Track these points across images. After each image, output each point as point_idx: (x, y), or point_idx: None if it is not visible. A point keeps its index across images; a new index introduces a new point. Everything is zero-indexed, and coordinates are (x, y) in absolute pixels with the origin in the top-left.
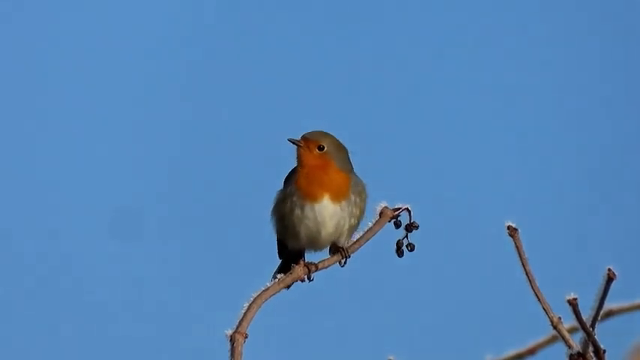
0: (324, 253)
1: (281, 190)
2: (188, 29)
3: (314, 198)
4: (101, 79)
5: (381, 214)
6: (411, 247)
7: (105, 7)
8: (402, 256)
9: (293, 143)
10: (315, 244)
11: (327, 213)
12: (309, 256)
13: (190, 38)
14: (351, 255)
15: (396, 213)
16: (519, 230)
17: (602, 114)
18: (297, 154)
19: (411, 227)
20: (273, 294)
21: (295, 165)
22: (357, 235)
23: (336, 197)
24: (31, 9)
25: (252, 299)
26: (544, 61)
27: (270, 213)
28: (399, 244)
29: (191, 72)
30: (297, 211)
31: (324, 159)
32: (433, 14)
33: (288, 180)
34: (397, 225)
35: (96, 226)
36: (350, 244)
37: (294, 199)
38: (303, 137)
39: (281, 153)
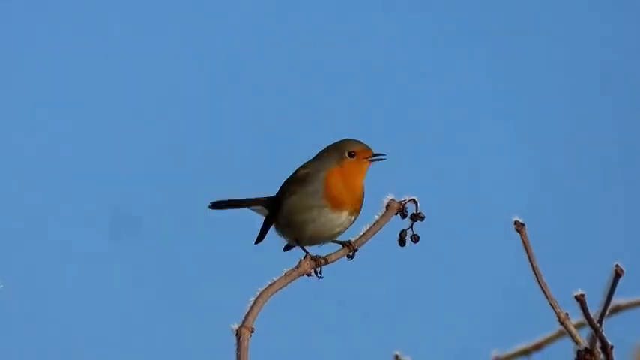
0: (328, 248)
1: (300, 184)
2: (193, 34)
3: (340, 208)
4: (101, 79)
5: (387, 207)
6: (416, 239)
7: (109, 7)
8: (404, 245)
9: (380, 159)
10: (314, 243)
11: (339, 222)
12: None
13: (195, 39)
14: (358, 248)
15: (403, 204)
16: (526, 226)
17: (611, 107)
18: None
19: (416, 217)
20: (280, 288)
21: (329, 167)
22: (363, 229)
23: (355, 210)
24: (24, 10)
25: (258, 293)
26: (547, 59)
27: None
28: (402, 234)
29: (192, 72)
30: (315, 213)
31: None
32: (432, 12)
33: (313, 177)
34: (403, 215)
35: (95, 226)
36: (357, 237)
37: (318, 201)
38: (368, 149)
39: (288, 153)
